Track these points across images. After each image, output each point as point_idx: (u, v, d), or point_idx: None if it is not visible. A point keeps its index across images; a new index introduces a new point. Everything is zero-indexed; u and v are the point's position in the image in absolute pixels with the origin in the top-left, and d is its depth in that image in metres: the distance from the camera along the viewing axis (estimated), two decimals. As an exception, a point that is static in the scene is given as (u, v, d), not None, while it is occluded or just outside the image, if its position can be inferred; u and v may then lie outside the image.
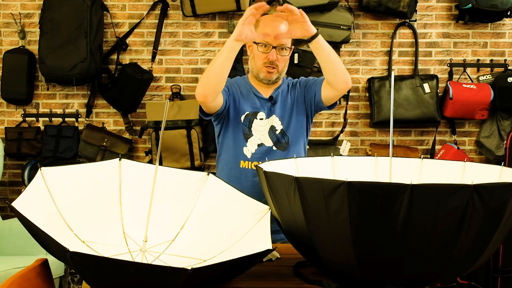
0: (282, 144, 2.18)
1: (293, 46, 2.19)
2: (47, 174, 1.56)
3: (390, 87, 3.64)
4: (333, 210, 1.31)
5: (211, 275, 1.37)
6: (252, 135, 2.18)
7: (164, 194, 1.68)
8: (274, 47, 2.10)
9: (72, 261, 1.26)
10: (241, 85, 2.24)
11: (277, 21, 2.10)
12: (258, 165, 1.61)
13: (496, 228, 1.33)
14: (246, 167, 2.17)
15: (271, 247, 1.45)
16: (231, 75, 2.08)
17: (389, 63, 3.75)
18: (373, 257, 1.34)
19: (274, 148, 2.18)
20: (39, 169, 1.57)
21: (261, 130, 2.18)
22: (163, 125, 1.59)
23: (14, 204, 1.38)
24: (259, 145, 2.17)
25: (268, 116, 2.19)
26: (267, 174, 1.50)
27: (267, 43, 2.11)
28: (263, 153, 2.16)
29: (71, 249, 1.22)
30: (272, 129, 2.18)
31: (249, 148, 2.18)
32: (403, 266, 1.34)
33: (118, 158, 1.72)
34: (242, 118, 2.18)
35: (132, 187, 1.70)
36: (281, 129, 2.18)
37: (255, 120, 2.18)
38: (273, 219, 1.61)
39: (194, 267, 1.24)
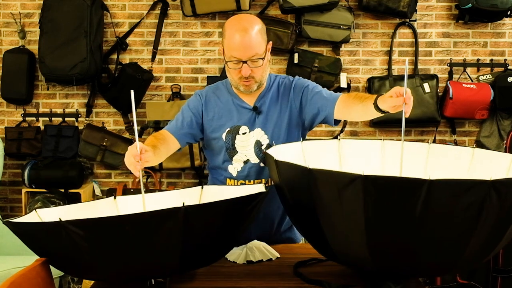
0: None
1: (269, 45, 1.95)
2: (43, 214, 1.56)
3: (390, 86, 3.64)
4: (347, 203, 1.29)
5: (208, 218, 1.34)
6: (237, 152, 1.99)
7: None
8: (245, 62, 1.88)
9: (67, 232, 1.24)
10: (221, 95, 2.04)
11: (243, 31, 1.86)
12: (267, 152, 1.57)
13: (510, 223, 1.32)
14: (233, 185, 1.99)
15: (264, 190, 1.45)
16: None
17: (389, 62, 3.75)
18: (387, 250, 1.33)
19: (262, 164, 1.99)
20: (34, 210, 1.55)
21: (245, 145, 1.99)
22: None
23: (8, 220, 1.38)
24: (245, 162, 1.99)
25: (252, 128, 1.99)
26: (278, 163, 1.45)
27: (237, 59, 1.89)
28: (250, 171, 1.99)
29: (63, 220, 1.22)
30: (258, 144, 1.99)
31: (235, 166, 2.01)
32: (416, 260, 1.33)
33: (113, 197, 1.73)
34: (224, 135, 1.99)
35: None
36: (268, 144, 1.98)
37: (237, 135, 1.99)
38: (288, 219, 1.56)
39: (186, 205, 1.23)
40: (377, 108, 1.68)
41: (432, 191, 1.21)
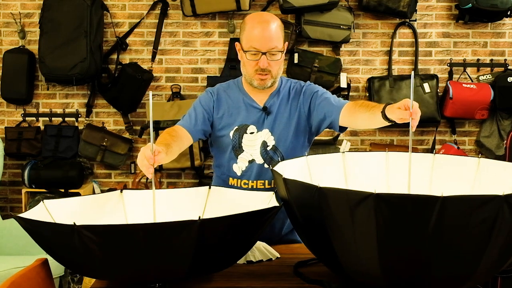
0: (275, 162, 1.88)
1: (285, 45, 1.96)
2: (51, 207, 1.56)
3: (390, 86, 3.64)
4: (359, 221, 1.27)
5: (222, 231, 1.35)
6: (243, 150, 1.99)
7: (169, 213, 1.66)
8: (264, 53, 1.89)
9: (80, 236, 1.26)
10: (232, 93, 2.04)
11: (264, 23, 1.90)
12: (274, 169, 1.54)
13: None
14: (235, 184, 2.00)
15: (278, 205, 1.46)
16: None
17: (389, 62, 3.75)
18: (399, 267, 1.32)
19: (266, 165, 1.98)
20: (41, 202, 1.56)
21: (252, 145, 1.99)
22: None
23: (19, 216, 1.39)
24: (250, 162, 1.99)
25: (260, 129, 1.99)
26: (287, 181, 1.43)
27: (256, 50, 1.89)
28: (254, 171, 1.99)
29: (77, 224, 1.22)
30: (264, 144, 1.98)
31: (239, 165, 2.00)
32: (429, 276, 1.31)
33: (120, 190, 1.73)
34: (231, 133, 1.99)
35: (138, 215, 1.70)
36: (273, 145, 1.99)
37: (245, 134, 1.98)
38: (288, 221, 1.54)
39: (202, 218, 1.24)
40: (384, 117, 1.69)
41: (445, 208, 1.19)
